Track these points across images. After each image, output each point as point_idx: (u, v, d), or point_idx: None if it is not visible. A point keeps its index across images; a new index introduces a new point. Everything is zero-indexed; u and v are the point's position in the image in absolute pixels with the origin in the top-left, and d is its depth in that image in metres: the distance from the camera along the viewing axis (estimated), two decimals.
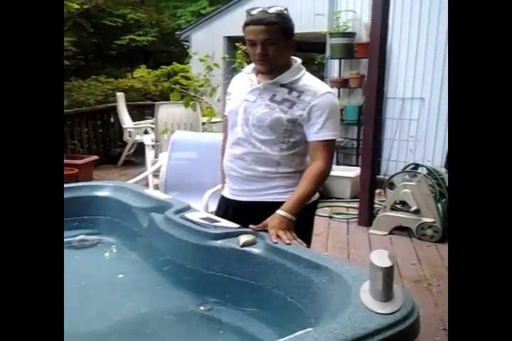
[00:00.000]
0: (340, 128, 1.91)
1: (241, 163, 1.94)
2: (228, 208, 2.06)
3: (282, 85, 1.85)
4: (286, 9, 1.80)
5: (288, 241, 1.65)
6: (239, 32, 1.88)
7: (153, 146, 5.64)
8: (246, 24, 1.78)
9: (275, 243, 1.66)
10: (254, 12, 1.77)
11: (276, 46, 1.77)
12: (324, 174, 1.85)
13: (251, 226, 1.79)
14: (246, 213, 1.95)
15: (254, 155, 1.90)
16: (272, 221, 1.75)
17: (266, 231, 1.75)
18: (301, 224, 1.80)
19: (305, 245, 1.72)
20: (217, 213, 2.11)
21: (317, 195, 1.99)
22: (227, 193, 2.07)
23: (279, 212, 1.76)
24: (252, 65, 1.93)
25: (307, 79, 1.87)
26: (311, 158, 1.88)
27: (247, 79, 1.94)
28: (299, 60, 1.91)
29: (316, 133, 1.82)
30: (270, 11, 1.76)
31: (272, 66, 1.82)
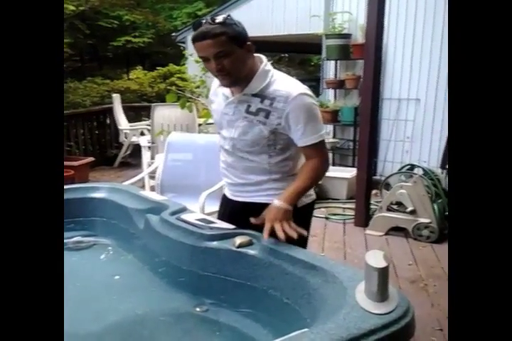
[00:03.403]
0: (323, 127, 1.84)
1: (233, 171, 1.93)
2: (227, 207, 2.06)
3: (254, 95, 1.76)
4: (229, 15, 1.67)
5: (282, 236, 1.61)
6: None
7: (149, 148, 5.64)
8: (192, 41, 1.67)
9: (266, 238, 1.64)
10: (200, 24, 1.65)
11: (231, 57, 1.65)
12: (322, 169, 1.82)
13: (251, 219, 1.75)
14: (240, 213, 1.94)
15: (244, 165, 1.88)
16: (268, 213, 1.72)
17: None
18: (298, 226, 1.79)
19: (305, 233, 1.69)
20: (218, 212, 2.12)
21: (314, 196, 1.99)
22: (227, 192, 2.07)
23: (274, 202, 1.72)
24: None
25: (276, 83, 1.75)
26: (306, 158, 1.86)
27: (221, 90, 1.87)
28: (264, 60, 1.79)
29: (300, 138, 1.77)
30: (214, 21, 1.63)
31: (235, 77, 1.71)
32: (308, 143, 1.77)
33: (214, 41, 1.62)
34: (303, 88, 1.76)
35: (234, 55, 1.65)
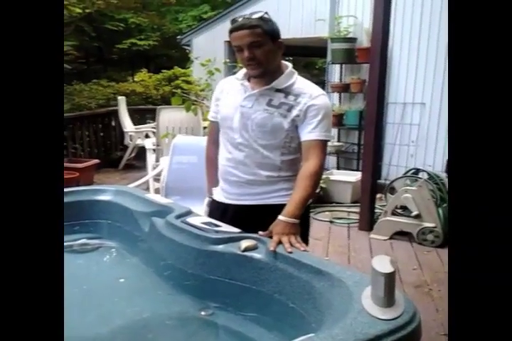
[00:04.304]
0: (331, 131, 1.94)
1: (243, 168, 1.94)
2: (225, 212, 2.04)
3: (278, 90, 1.87)
4: (266, 13, 1.81)
5: (289, 250, 1.64)
6: None
7: (154, 150, 5.66)
8: (230, 31, 1.81)
9: (272, 251, 1.65)
10: (237, 19, 1.80)
11: (263, 48, 1.78)
12: (319, 173, 1.86)
13: (260, 232, 1.79)
14: (248, 217, 1.95)
15: (256, 160, 1.91)
16: (275, 227, 1.76)
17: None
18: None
19: (308, 249, 1.72)
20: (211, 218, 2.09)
21: None
22: (221, 197, 2.06)
23: (280, 217, 1.77)
24: (244, 71, 1.94)
25: (301, 83, 1.90)
26: (303, 158, 1.88)
27: (239, 84, 1.94)
28: (290, 65, 1.93)
29: (310, 132, 1.84)
30: (252, 16, 1.78)
31: (263, 69, 1.83)
32: (316, 137, 1.84)
33: (249, 32, 1.76)
34: (323, 91, 1.91)
35: (266, 46, 1.79)
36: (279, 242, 1.69)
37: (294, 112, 1.84)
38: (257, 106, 1.87)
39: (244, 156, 1.93)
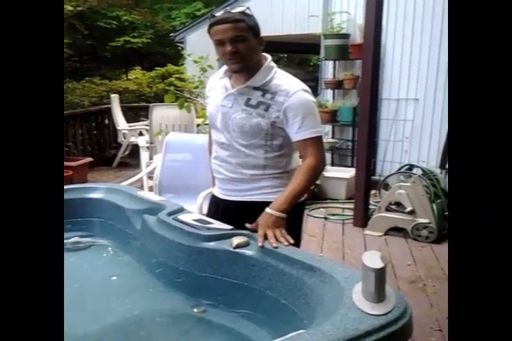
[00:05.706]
0: (321, 126, 1.88)
1: (227, 166, 1.94)
2: (218, 207, 2.06)
3: (256, 88, 1.82)
4: (248, 8, 1.79)
5: (274, 245, 1.64)
6: None
7: (147, 148, 5.64)
8: (211, 25, 1.75)
9: (261, 246, 1.65)
10: (217, 14, 1.76)
11: (246, 43, 1.74)
12: (316, 169, 1.83)
13: (247, 225, 1.78)
14: (234, 212, 1.96)
15: (239, 159, 1.90)
16: (261, 219, 1.75)
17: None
18: (290, 225, 1.79)
19: (292, 241, 1.69)
20: (209, 212, 2.12)
21: (305, 195, 2.00)
22: (217, 192, 2.08)
23: (267, 210, 1.75)
24: (224, 69, 1.91)
25: (279, 79, 1.83)
26: (301, 158, 1.87)
27: (221, 83, 1.92)
28: (269, 58, 1.88)
29: (297, 132, 1.79)
30: (233, 10, 1.75)
31: (245, 63, 1.78)
32: (305, 136, 1.79)
33: (233, 26, 1.72)
34: (304, 86, 1.83)
35: (249, 41, 1.75)
36: (266, 236, 1.68)
37: (273, 113, 1.79)
38: (236, 106, 1.84)
39: (227, 155, 1.92)
